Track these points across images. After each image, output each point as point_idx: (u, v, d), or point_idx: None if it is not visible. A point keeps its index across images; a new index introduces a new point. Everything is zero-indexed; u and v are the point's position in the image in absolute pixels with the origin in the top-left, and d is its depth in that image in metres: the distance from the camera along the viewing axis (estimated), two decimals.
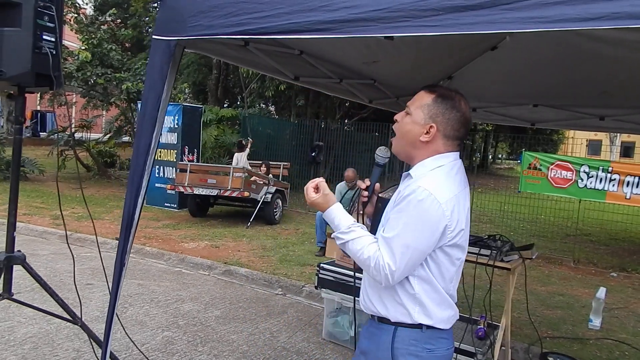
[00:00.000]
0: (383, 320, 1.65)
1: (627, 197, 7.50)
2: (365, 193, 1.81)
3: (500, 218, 10.21)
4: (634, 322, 5.10)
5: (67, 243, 3.09)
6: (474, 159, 23.65)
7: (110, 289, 2.19)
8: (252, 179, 9.24)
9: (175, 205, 10.10)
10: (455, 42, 3.43)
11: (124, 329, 3.08)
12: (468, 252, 3.27)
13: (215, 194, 8.87)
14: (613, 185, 7.52)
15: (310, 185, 1.74)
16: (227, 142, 12.73)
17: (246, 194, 8.70)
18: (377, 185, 1.84)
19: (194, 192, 8.91)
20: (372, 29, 1.68)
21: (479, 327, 3.60)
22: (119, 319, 2.71)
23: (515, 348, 4.13)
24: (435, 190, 1.53)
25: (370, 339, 1.69)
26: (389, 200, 1.76)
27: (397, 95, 4.50)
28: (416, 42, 3.30)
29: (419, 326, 1.60)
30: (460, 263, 1.68)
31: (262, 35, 1.94)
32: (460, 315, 3.90)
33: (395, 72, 4.07)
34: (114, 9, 14.61)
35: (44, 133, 20.56)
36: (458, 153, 1.70)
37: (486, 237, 3.71)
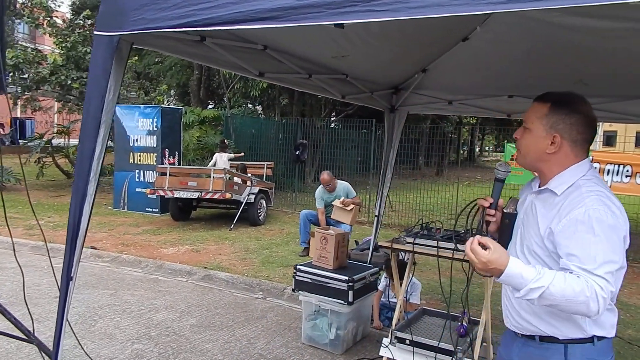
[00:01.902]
0: (547, 339, 1.58)
1: (609, 185, 7.48)
2: (493, 212, 1.73)
3: (471, 211, 10.11)
4: (618, 310, 5.03)
5: (48, 253, 2.92)
6: (461, 152, 23.71)
7: (58, 307, 2.03)
8: (234, 180, 9.10)
9: (157, 210, 9.91)
10: (426, 33, 3.34)
11: (79, 343, 2.93)
12: (445, 248, 3.22)
13: (197, 196, 8.71)
14: None
15: (473, 246, 1.46)
16: (210, 144, 12.57)
17: (228, 195, 8.54)
18: (501, 200, 1.75)
19: (175, 196, 8.73)
20: (320, 16, 1.60)
21: (459, 324, 3.50)
22: (74, 334, 2.57)
23: (498, 342, 4.04)
24: (607, 203, 1.48)
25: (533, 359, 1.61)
26: (516, 214, 1.73)
27: (372, 89, 4.40)
28: (384, 34, 3.20)
29: (591, 340, 1.54)
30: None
31: (207, 27, 1.83)
32: (440, 312, 3.85)
33: (368, 66, 3.97)
34: (88, 10, 14.31)
35: (24, 140, 20.19)
36: (590, 157, 1.67)
37: (463, 231, 3.62)
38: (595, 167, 7.46)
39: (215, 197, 8.55)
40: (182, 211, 9.39)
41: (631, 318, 4.94)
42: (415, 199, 11.02)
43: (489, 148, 42.36)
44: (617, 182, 7.44)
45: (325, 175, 6.91)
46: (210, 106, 19.29)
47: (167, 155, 10.19)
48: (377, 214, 5.09)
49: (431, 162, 17.97)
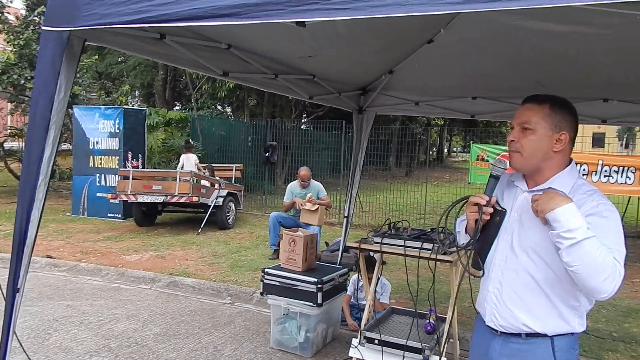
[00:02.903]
0: (533, 335, 1.64)
1: None
2: (491, 210, 1.70)
3: (454, 210, 10.31)
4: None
5: None
6: (430, 153, 24.06)
7: (3, 321, 1.90)
8: (202, 182, 8.92)
9: (120, 215, 9.61)
10: (392, 35, 3.35)
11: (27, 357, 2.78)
12: (412, 247, 3.23)
13: (162, 200, 8.47)
14: None
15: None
16: (176, 146, 12.32)
17: (195, 199, 8.36)
18: (494, 198, 1.72)
19: (139, 200, 8.48)
20: (281, 14, 1.57)
21: (427, 321, 3.52)
22: (24, 350, 2.43)
23: (465, 338, 4.10)
24: (608, 201, 1.59)
25: (520, 356, 1.67)
26: (506, 212, 1.73)
27: (340, 90, 4.38)
28: (351, 34, 3.18)
29: (572, 333, 1.65)
30: None
31: (163, 24, 1.76)
32: (408, 311, 3.86)
33: (336, 67, 3.96)
34: (43, 7, 13.77)
35: None
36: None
37: (429, 230, 3.64)
38: None
39: (182, 201, 8.36)
40: (146, 216, 9.13)
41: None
42: (385, 199, 11.09)
43: (456, 149, 43.23)
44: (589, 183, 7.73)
45: (304, 171, 6.91)
46: (176, 107, 18.95)
47: (130, 158, 9.90)
48: (346, 214, 5.07)
49: (401, 163, 18.16)
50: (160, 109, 14.51)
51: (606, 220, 1.53)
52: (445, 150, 37.20)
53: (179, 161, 10.48)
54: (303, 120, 18.46)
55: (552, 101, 1.66)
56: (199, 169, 9.87)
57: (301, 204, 6.63)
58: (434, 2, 1.32)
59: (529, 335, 1.64)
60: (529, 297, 1.63)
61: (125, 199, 8.49)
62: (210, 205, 8.75)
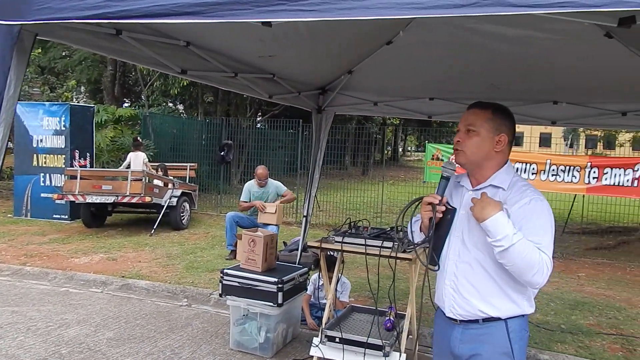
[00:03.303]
0: (489, 320, 1.81)
1: None
2: (444, 208, 1.86)
3: (410, 209, 10.55)
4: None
5: None
6: (385, 152, 24.51)
7: None
8: (155, 182, 8.68)
9: (67, 217, 9.18)
10: (352, 36, 3.38)
11: None
12: (372, 246, 3.28)
13: (113, 201, 8.17)
14: None
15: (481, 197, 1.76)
16: (126, 144, 11.88)
17: (148, 199, 8.12)
18: (445, 198, 1.89)
19: (87, 201, 8.12)
20: (247, 13, 1.54)
21: (386, 318, 3.59)
22: None
23: (423, 334, 4.22)
24: (541, 196, 1.79)
25: (479, 340, 1.82)
26: (456, 210, 1.90)
27: (299, 90, 4.39)
28: (311, 35, 3.19)
29: (523, 315, 1.83)
30: None
31: (123, 20, 1.69)
32: (368, 308, 3.92)
33: (296, 66, 3.96)
34: None
35: None
36: None
37: (389, 229, 3.72)
38: None
39: (134, 201, 8.09)
40: (95, 217, 8.77)
41: (539, 303, 5.20)
42: (342, 199, 11.20)
43: (410, 148, 44.21)
44: (524, 179, 8.11)
45: (262, 169, 6.85)
46: (126, 104, 18.31)
47: (77, 157, 9.49)
48: (305, 214, 5.08)
49: (357, 162, 18.37)
50: (109, 105, 13.98)
51: (537, 215, 1.73)
52: (400, 150, 37.99)
53: (126, 159, 10.08)
54: (258, 119, 18.32)
55: (493, 107, 1.86)
56: (147, 167, 9.58)
57: (262, 207, 6.58)
58: (400, 7, 1.34)
59: (486, 320, 1.81)
60: (482, 285, 1.80)
61: (73, 199, 8.12)
62: (163, 206, 8.52)
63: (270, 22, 2.09)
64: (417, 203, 2.00)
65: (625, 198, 8.63)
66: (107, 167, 10.76)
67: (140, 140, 10.50)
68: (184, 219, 9.07)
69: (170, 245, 7.62)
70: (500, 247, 1.65)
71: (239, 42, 3.23)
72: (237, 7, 1.53)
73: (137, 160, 9.71)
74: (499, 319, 1.79)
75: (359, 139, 14.41)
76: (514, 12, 1.23)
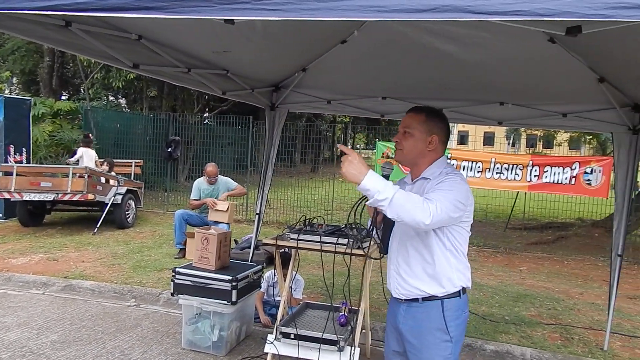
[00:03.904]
0: (428, 299, 2.00)
1: None
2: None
3: (361, 205, 10.73)
4: (473, 290, 5.70)
5: None
6: (335, 149, 24.70)
7: None
8: (99, 179, 8.32)
9: (1, 215, 8.65)
10: (307, 34, 3.41)
11: None
12: (327, 242, 3.34)
13: (52, 198, 7.76)
14: None
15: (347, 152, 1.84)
16: (65, 139, 11.31)
17: (91, 196, 7.78)
18: None
19: (24, 198, 7.67)
20: (210, 10, 1.52)
21: (340, 314, 3.65)
22: None
23: (375, 328, 4.32)
24: (464, 181, 2.01)
25: (418, 316, 2.03)
26: None
27: (253, 86, 4.37)
28: (267, 33, 3.19)
29: (459, 294, 2.00)
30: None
31: (78, 12, 1.62)
32: (322, 304, 3.98)
33: (250, 63, 3.94)
34: None
35: None
36: (448, 154, 2.07)
37: (344, 226, 3.78)
38: (453, 164, 8.47)
39: (75, 199, 7.73)
40: (33, 215, 8.32)
41: (484, 296, 5.62)
42: (292, 196, 11.21)
43: (360, 146, 44.79)
44: (470, 177, 8.49)
45: (212, 167, 6.74)
46: (63, 97, 17.41)
47: (12, 153, 8.93)
48: (257, 212, 5.06)
49: (306, 160, 18.42)
50: (47, 98, 13.23)
51: (442, 185, 1.94)
52: (349, 147, 38.37)
53: (74, 155, 9.59)
54: (206, 115, 17.95)
55: (427, 111, 2.11)
56: (97, 166, 9.19)
57: (213, 204, 6.49)
58: (364, 9, 1.37)
59: (425, 299, 2.02)
60: (418, 268, 2.02)
61: (8, 197, 7.64)
62: (107, 204, 8.21)
63: (233, 20, 2.08)
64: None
65: (563, 195, 9.16)
66: (45, 163, 10.20)
67: (91, 136, 10.04)
68: (129, 217, 8.78)
69: (115, 244, 7.35)
70: (385, 199, 1.72)
71: (193, 37, 3.18)
72: (200, 4, 1.51)
73: (87, 156, 9.28)
74: (436, 297, 1.99)
75: (308, 136, 14.46)
76: (472, 18, 1.29)
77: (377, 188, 1.73)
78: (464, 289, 2.04)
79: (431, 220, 1.77)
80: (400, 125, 2.14)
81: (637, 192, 8.93)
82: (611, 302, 4.25)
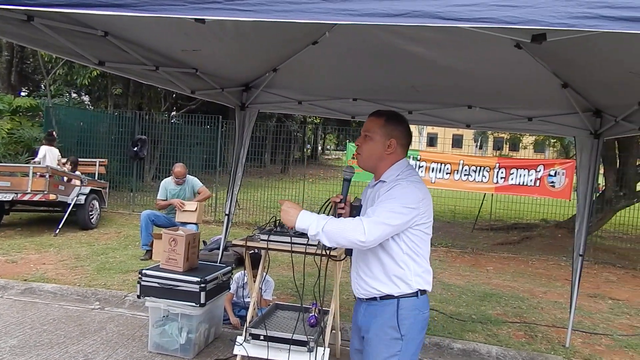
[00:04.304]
0: (386, 297, 2.04)
1: (432, 181, 8.71)
2: (342, 205, 2.15)
3: (329, 207, 10.77)
4: (441, 290, 5.83)
5: None
6: (305, 150, 24.68)
7: None
8: (61, 179, 8.05)
9: None
10: (278, 34, 3.41)
11: None
12: (298, 243, 3.33)
13: (11, 198, 7.46)
14: (421, 171, 8.64)
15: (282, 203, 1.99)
16: (25, 137, 10.90)
17: (52, 196, 7.53)
18: (349, 197, 2.18)
19: None
20: (180, 9, 1.51)
21: (310, 315, 3.66)
22: None
23: (345, 329, 4.34)
24: (415, 184, 2.01)
25: (374, 314, 2.07)
26: (361, 206, 2.17)
27: (223, 86, 4.32)
28: (238, 32, 3.17)
29: (416, 294, 2.02)
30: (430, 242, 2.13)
31: (42, 8, 1.58)
32: (292, 305, 3.97)
33: (219, 62, 3.90)
34: None
35: None
36: (408, 156, 2.18)
37: None
38: (422, 166, 8.58)
39: (36, 199, 7.46)
40: None
41: (452, 296, 5.72)
42: (262, 197, 11.13)
43: (330, 147, 44.93)
44: (439, 178, 8.65)
45: (180, 167, 6.63)
46: (23, 93, 16.77)
47: None
48: (227, 212, 5.01)
49: (276, 160, 18.33)
50: (5, 95, 12.72)
51: (390, 194, 1.96)
52: (320, 148, 38.51)
53: (36, 154, 9.23)
54: (174, 114, 17.63)
55: (387, 116, 2.13)
56: (60, 165, 8.90)
57: (180, 205, 6.39)
58: (336, 12, 1.39)
59: (382, 297, 2.06)
60: (375, 268, 2.06)
61: None
62: (70, 204, 7.96)
63: (204, 19, 2.05)
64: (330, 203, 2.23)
65: (528, 197, 9.42)
66: (4, 162, 9.80)
67: (55, 134, 9.70)
68: (92, 218, 8.53)
69: (79, 245, 7.13)
70: (317, 235, 1.86)
71: (162, 34, 3.12)
72: (170, 2, 1.49)
73: (51, 155, 8.96)
74: (392, 296, 2.03)
75: (279, 137, 14.42)
76: (442, 24, 1.33)
77: (307, 226, 1.86)
78: (423, 290, 2.06)
79: (367, 238, 1.83)
80: (362, 129, 2.17)
81: (597, 194, 9.34)
82: (573, 300, 4.38)
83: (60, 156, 9.30)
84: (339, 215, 2.12)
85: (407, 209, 1.93)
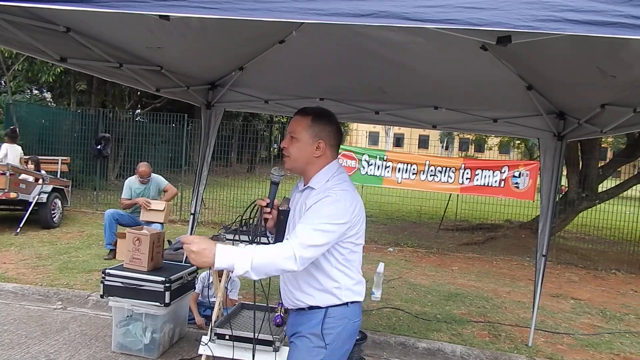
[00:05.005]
0: (314, 308, 1.95)
1: (399, 181, 8.81)
2: (268, 210, 2.00)
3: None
4: (407, 289, 5.95)
5: None
6: (272, 149, 24.60)
7: None
8: (21, 177, 7.80)
9: None
10: (245, 33, 3.41)
11: None
12: (264, 243, 3.33)
13: None
14: (388, 171, 8.71)
15: (184, 240, 1.70)
16: None
17: (13, 195, 7.31)
18: (276, 201, 2.03)
19: None
20: (145, 6, 1.50)
21: (276, 314, 3.68)
22: None
23: None
24: (344, 195, 1.86)
25: (300, 322, 1.98)
26: (288, 211, 2.03)
27: (188, 84, 4.29)
28: (203, 29, 3.16)
29: (346, 304, 1.95)
30: (361, 250, 2.03)
31: (3, 2, 1.55)
32: (258, 305, 3.98)
33: (185, 60, 3.86)
34: None
35: None
36: (338, 157, 2.04)
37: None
38: (389, 166, 8.65)
39: None
40: None
41: (417, 295, 5.82)
42: (227, 196, 11.04)
43: None
44: (405, 178, 8.76)
45: (144, 166, 6.50)
46: None
47: None
48: (192, 212, 4.97)
49: (243, 159, 18.20)
50: None
51: (318, 206, 1.83)
52: None
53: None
54: (138, 112, 17.27)
55: (314, 114, 1.97)
56: (22, 163, 8.59)
57: (146, 204, 6.28)
58: (303, 11, 1.40)
59: (311, 308, 1.97)
60: (302, 279, 1.96)
61: None
62: (31, 202, 7.72)
63: (168, 15, 2.05)
64: (256, 206, 2.10)
65: (493, 197, 9.57)
66: None
67: (17, 132, 9.34)
68: (55, 216, 8.30)
69: (40, 245, 6.93)
70: (246, 272, 1.67)
71: (126, 31, 3.07)
72: None
73: (14, 153, 8.63)
74: (319, 307, 1.95)
75: (245, 136, 14.31)
76: (408, 25, 1.35)
77: (231, 264, 1.66)
78: (354, 301, 1.98)
79: (297, 263, 1.72)
80: (287, 129, 2.03)
81: (560, 196, 9.63)
82: (536, 300, 4.48)
83: (22, 154, 8.98)
84: (265, 220, 2.01)
85: (336, 225, 1.82)
